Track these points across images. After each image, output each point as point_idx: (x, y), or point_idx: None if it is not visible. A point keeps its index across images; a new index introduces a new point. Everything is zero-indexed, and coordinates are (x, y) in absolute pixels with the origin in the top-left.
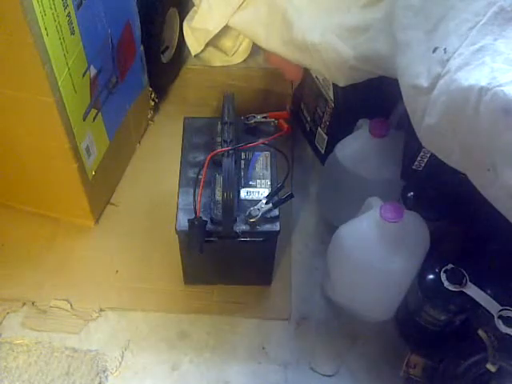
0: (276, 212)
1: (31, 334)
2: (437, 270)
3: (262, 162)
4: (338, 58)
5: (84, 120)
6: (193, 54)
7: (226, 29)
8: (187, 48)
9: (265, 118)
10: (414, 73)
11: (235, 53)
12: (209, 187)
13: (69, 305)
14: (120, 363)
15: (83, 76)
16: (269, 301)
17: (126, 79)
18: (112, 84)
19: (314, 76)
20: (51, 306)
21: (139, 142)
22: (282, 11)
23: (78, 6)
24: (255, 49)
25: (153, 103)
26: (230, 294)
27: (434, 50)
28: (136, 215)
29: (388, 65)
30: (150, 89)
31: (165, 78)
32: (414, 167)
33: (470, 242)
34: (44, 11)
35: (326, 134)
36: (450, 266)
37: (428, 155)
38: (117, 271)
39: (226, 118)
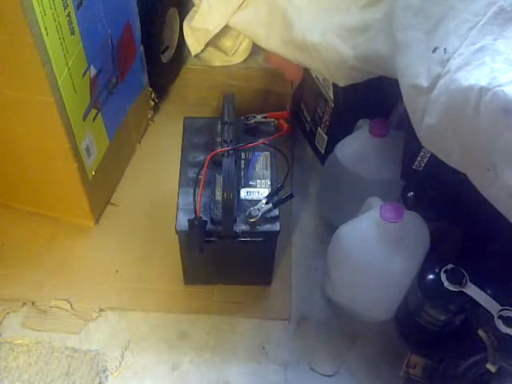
0: (276, 212)
1: (31, 333)
2: (437, 270)
3: (262, 162)
4: (337, 57)
5: (84, 120)
6: (193, 54)
7: (226, 29)
8: (187, 48)
9: (265, 118)
10: (413, 73)
11: (235, 53)
12: (209, 187)
13: (69, 305)
14: (120, 363)
15: (83, 76)
16: (269, 301)
17: (126, 79)
18: (112, 84)
19: (314, 76)
20: (51, 306)
21: (139, 142)
22: (282, 11)
23: (78, 6)
24: (255, 49)
25: (153, 103)
26: (229, 294)
27: (434, 50)
28: (136, 215)
29: (388, 65)
30: (150, 89)
31: (165, 77)
32: (414, 167)
33: (470, 241)
34: (44, 11)
35: (326, 134)
36: (450, 266)
37: (428, 155)
38: (117, 271)
39: (226, 118)
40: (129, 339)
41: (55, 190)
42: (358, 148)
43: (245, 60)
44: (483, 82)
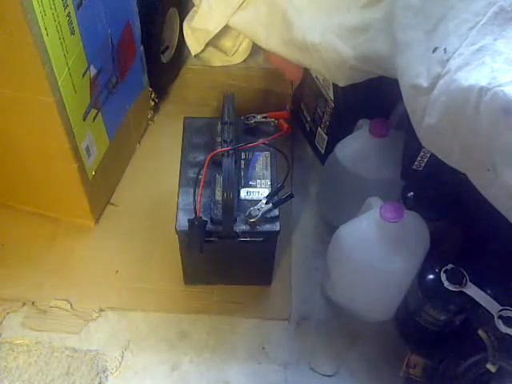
0: (276, 212)
1: (31, 333)
2: (437, 270)
3: (262, 162)
4: (337, 57)
5: (84, 120)
6: (193, 54)
7: (225, 29)
8: (187, 48)
9: (265, 118)
10: (413, 73)
11: (235, 53)
12: (209, 187)
13: (69, 305)
14: (120, 363)
15: (83, 76)
16: (269, 301)
17: (126, 79)
18: (112, 84)
19: (314, 76)
20: (51, 306)
21: (139, 142)
22: (282, 11)
23: (78, 6)
24: (255, 49)
25: (153, 103)
26: (229, 294)
27: (434, 50)
28: (136, 215)
29: (388, 65)
30: (150, 89)
31: (165, 77)
32: (414, 167)
33: (470, 241)
34: (44, 11)
35: (326, 134)
36: (450, 266)
37: (428, 155)
38: (117, 271)
39: (226, 118)
40: (129, 339)
41: (55, 190)
42: (358, 148)
43: (245, 60)
44: (483, 82)
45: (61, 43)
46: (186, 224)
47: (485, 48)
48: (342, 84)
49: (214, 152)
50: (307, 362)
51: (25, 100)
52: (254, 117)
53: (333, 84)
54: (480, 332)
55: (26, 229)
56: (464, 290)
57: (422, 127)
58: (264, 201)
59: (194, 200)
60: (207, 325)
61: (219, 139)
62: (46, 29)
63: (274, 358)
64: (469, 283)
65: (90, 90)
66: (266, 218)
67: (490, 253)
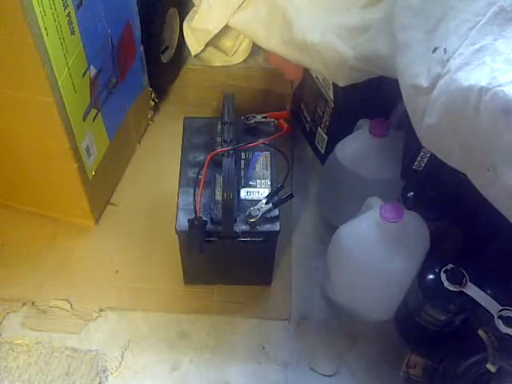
0: (276, 212)
1: (31, 333)
2: (437, 270)
3: (262, 161)
4: (337, 57)
5: (84, 120)
6: (193, 54)
7: (226, 29)
8: (187, 48)
9: (265, 118)
10: (413, 73)
11: (235, 53)
12: (209, 187)
13: (69, 305)
14: (120, 363)
15: (83, 76)
16: (269, 301)
17: (126, 79)
18: (112, 84)
19: (314, 76)
20: (51, 306)
21: (139, 142)
22: (281, 11)
23: (78, 6)
24: (255, 49)
25: (153, 103)
26: (230, 293)
27: (434, 50)
28: (136, 215)
29: (388, 65)
30: (150, 89)
31: (165, 77)
32: (414, 167)
33: (470, 241)
34: (44, 11)
35: (326, 134)
36: (450, 266)
37: (428, 155)
38: (117, 271)
39: (226, 118)
40: (129, 339)
41: (55, 190)
42: (358, 148)
43: (245, 60)
44: (483, 82)
45: (61, 43)
46: (186, 224)
47: (485, 48)
48: (341, 84)
49: (214, 152)
50: (307, 362)
51: (25, 100)
52: (254, 117)
53: (333, 84)
54: (480, 332)
55: (26, 229)
56: (464, 290)
57: (422, 127)
58: (264, 201)
59: (194, 200)
60: (207, 325)
61: (219, 139)
62: (46, 29)
63: (274, 358)
64: (469, 283)
65: (90, 90)
66: (266, 218)
67: (490, 253)
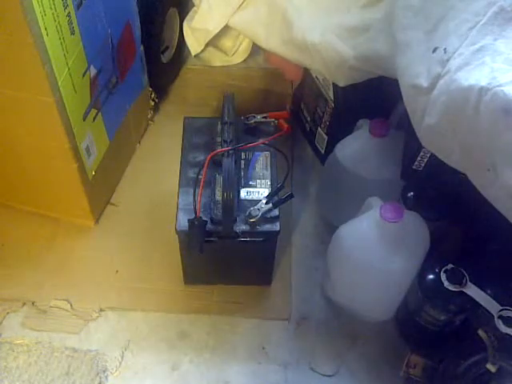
0: (276, 212)
1: (31, 333)
2: (437, 270)
3: (262, 161)
4: (337, 57)
5: (84, 120)
6: (193, 54)
7: (226, 29)
8: (187, 48)
9: (265, 118)
10: (413, 73)
11: (235, 53)
12: (209, 187)
13: (69, 305)
14: (120, 363)
15: (83, 76)
16: (269, 301)
17: (126, 79)
18: (112, 84)
19: (314, 76)
20: (51, 306)
21: (139, 142)
22: (281, 11)
23: (78, 6)
24: (255, 49)
25: (153, 103)
26: (230, 294)
27: (434, 50)
28: (136, 215)
29: (388, 65)
30: (150, 89)
31: (165, 77)
32: (414, 167)
33: (470, 241)
34: (44, 11)
35: (326, 134)
36: (450, 266)
37: (428, 155)
38: (117, 271)
39: (226, 118)
40: (129, 339)
41: (55, 190)
42: (358, 148)
43: (245, 60)
44: (483, 82)
45: (61, 43)
46: (186, 224)
47: (485, 48)
48: (342, 84)
49: (214, 152)
50: (307, 362)
51: (25, 100)
52: (254, 117)
53: (333, 84)
54: (480, 332)
55: (26, 229)
56: (464, 290)
57: (422, 127)
58: (264, 201)
59: (194, 200)
60: (207, 325)
61: (219, 139)
62: (46, 29)
63: (274, 358)
64: (469, 283)
65: (90, 89)
66: (266, 218)
67: (490, 253)
